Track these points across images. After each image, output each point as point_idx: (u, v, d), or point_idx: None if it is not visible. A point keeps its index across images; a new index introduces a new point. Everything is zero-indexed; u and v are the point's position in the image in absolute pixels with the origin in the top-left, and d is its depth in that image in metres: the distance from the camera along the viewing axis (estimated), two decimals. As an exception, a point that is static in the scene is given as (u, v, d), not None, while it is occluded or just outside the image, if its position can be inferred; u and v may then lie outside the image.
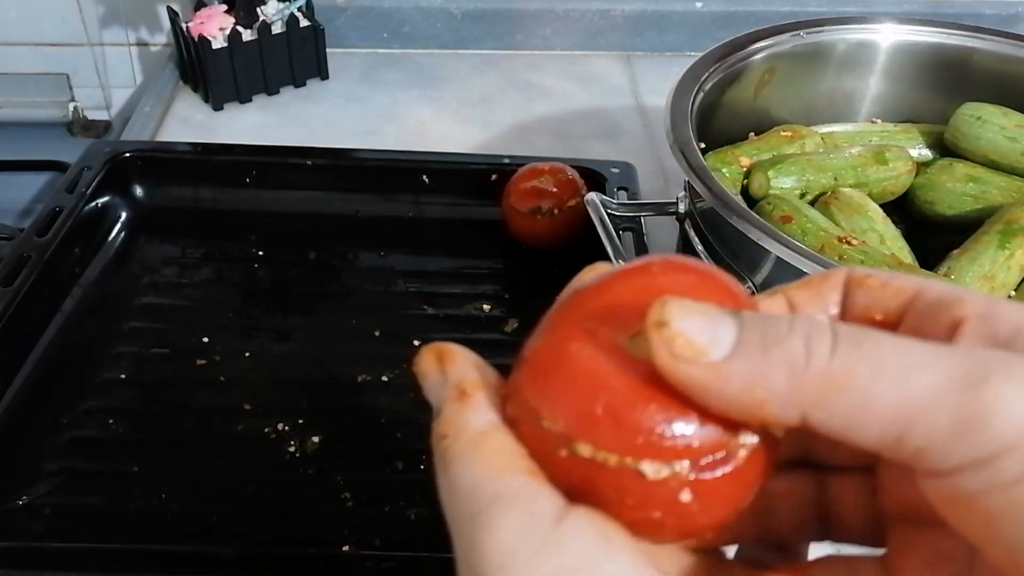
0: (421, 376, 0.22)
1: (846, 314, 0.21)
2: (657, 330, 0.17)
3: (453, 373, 0.21)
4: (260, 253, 0.67)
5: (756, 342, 0.17)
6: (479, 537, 0.18)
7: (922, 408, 0.16)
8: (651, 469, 0.18)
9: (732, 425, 0.18)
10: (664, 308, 0.18)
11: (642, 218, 0.63)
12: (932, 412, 0.16)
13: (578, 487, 0.19)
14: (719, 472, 0.18)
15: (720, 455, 0.18)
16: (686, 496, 0.18)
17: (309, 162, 0.70)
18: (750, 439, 0.18)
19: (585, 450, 0.18)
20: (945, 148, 0.64)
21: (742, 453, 0.18)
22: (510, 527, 0.17)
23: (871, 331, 0.17)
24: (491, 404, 0.20)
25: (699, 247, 0.55)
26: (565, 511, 0.18)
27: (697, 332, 0.17)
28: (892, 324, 0.20)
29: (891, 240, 0.55)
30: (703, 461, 0.18)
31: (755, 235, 0.46)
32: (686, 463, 0.18)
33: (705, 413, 0.18)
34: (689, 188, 0.56)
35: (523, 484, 0.18)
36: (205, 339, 0.59)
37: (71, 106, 0.96)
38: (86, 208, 0.65)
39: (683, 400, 0.18)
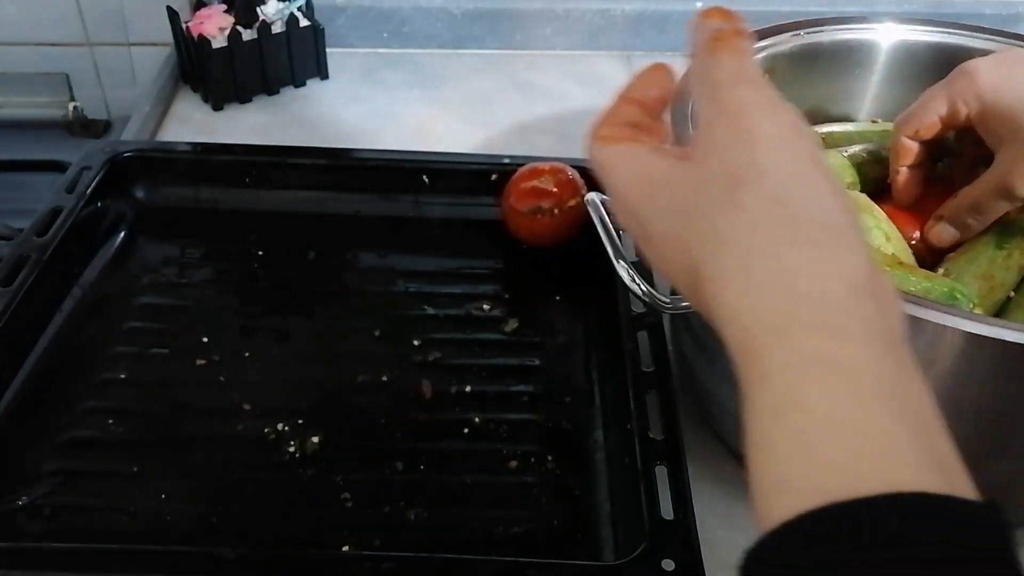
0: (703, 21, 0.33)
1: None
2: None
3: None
4: (260, 253, 0.67)
5: None
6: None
7: None
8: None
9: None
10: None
11: (642, 218, 0.62)
12: None
13: None
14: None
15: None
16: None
17: (309, 162, 0.70)
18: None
19: None
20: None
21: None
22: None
23: None
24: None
25: (699, 247, 0.55)
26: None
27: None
28: None
29: (896, 240, 0.55)
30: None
31: (755, 235, 0.46)
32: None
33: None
34: (689, 188, 0.56)
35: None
36: (204, 339, 0.59)
37: (71, 106, 0.95)
38: (86, 208, 0.65)
39: None
